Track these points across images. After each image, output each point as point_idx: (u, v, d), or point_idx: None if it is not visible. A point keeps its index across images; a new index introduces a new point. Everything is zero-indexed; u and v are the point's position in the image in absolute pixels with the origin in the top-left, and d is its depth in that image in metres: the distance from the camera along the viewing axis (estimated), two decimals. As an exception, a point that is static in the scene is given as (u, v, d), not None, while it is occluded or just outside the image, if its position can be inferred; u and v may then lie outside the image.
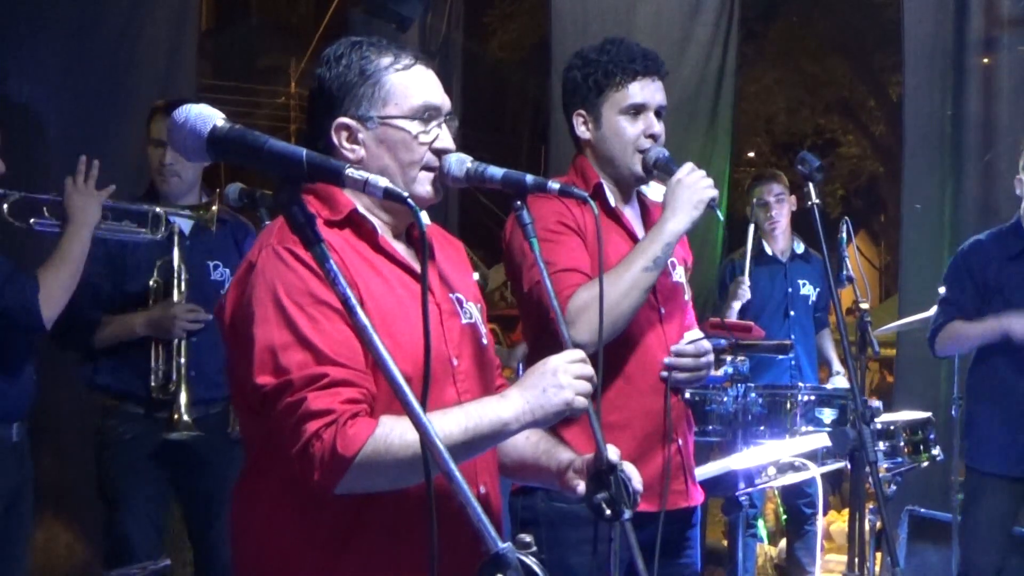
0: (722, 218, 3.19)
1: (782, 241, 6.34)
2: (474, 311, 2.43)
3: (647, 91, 3.19)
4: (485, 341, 2.44)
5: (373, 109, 2.27)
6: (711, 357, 3.24)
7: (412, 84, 2.29)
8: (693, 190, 3.08)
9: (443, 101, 2.34)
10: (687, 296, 3.37)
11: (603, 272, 2.59)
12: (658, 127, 3.20)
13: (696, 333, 3.27)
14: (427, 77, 2.33)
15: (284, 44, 19.30)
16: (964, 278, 4.73)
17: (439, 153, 2.31)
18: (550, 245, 3.01)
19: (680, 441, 3.23)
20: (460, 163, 2.35)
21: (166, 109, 4.24)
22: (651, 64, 3.21)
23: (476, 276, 2.67)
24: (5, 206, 3.88)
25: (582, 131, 3.26)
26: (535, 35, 14.82)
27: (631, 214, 3.29)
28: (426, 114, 2.29)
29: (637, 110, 3.19)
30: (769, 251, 6.32)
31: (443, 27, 6.97)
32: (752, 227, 6.07)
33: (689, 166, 3.14)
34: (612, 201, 3.23)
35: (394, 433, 2.05)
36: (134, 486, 4.22)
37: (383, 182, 1.74)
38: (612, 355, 3.08)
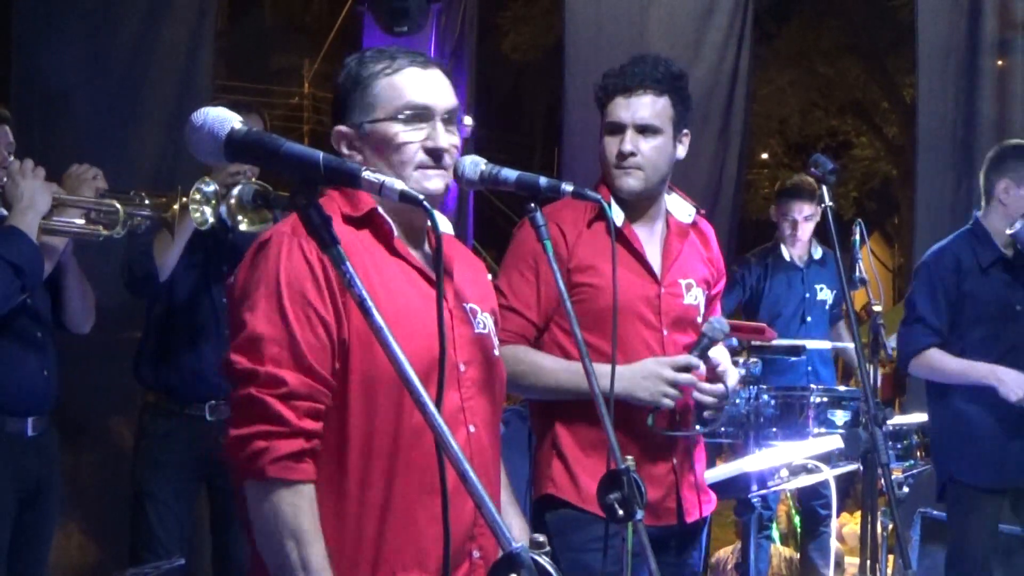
0: (650, 424, 3.05)
1: (799, 247, 6.32)
2: (488, 322, 2.42)
3: (621, 109, 3.11)
4: (497, 353, 2.44)
5: (363, 115, 2.30)
6: (724, 384, 3.10)
7: (398, 86, 2.29)
8: (658, 385, 3.00)
9: (433, 100, 2.29)
10: (700, 318, 3.24)
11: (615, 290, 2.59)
12: (628, 144, 3.10)
13: (689, 359, 3.06)
14: (417, 77, 2.30)
15: (297, 45, 19.35)
16: (937, 293, 4.52)
17: (433, 152, 2.28)
18: (510, 277, 3.06)
19: (675, 461, 3.17)
20: (474, 165, 2.35)
21: None
22: (629, 79, 3.11)
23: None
24: None
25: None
26: (547, 37, 14.84)
27: (646, 232, 3.20)
28: (409, 113, 2.27)
29: (614, 129, 3.14)
30: (787, 256, 6.30)
31: (456, 29, 6.97)
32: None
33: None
34: (619, 220, 3.14)
35: (304, 502, 2.11)
36: (161, 481, 4.28)
37: (399, 185, 1.76)
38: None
